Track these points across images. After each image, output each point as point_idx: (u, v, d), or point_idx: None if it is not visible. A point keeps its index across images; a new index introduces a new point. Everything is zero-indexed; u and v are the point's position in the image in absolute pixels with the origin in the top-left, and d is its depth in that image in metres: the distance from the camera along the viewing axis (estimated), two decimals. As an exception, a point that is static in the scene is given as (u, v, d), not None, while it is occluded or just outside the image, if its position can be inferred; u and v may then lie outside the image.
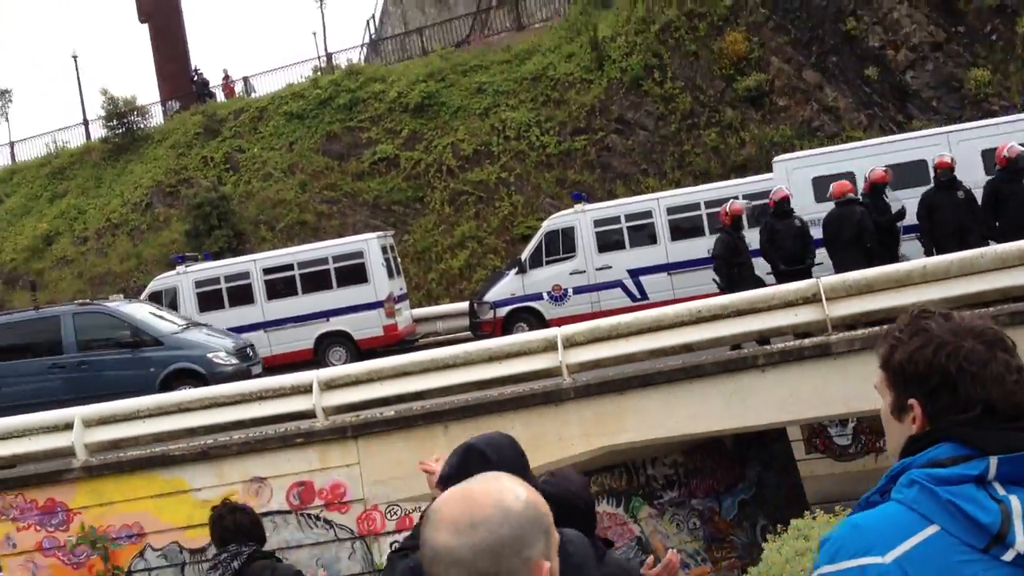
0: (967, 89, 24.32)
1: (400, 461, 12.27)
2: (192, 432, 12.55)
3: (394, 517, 12.49)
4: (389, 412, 12.46)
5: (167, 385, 15.12)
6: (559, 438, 12.21)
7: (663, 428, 12.01)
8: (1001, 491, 1.70)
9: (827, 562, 1.81)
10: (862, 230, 12.63)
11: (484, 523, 1.45)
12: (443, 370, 12.53)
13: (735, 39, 26.74)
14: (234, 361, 15.75)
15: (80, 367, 15.71)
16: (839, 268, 12.60)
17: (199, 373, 15.33)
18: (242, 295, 19.55)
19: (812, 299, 11.66)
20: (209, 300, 19.59)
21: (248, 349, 16.30)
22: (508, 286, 18.28)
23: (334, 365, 17.04)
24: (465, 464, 2.97)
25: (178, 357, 15.60)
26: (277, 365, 17.76)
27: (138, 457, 12.40)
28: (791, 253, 13.25)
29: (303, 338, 19.12)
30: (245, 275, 19.73)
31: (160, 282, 20.31)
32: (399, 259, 22.16)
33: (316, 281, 19.37)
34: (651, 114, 27.61)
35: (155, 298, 19.45)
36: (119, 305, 16.55)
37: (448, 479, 3.06)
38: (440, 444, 12.41)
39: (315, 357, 18.96)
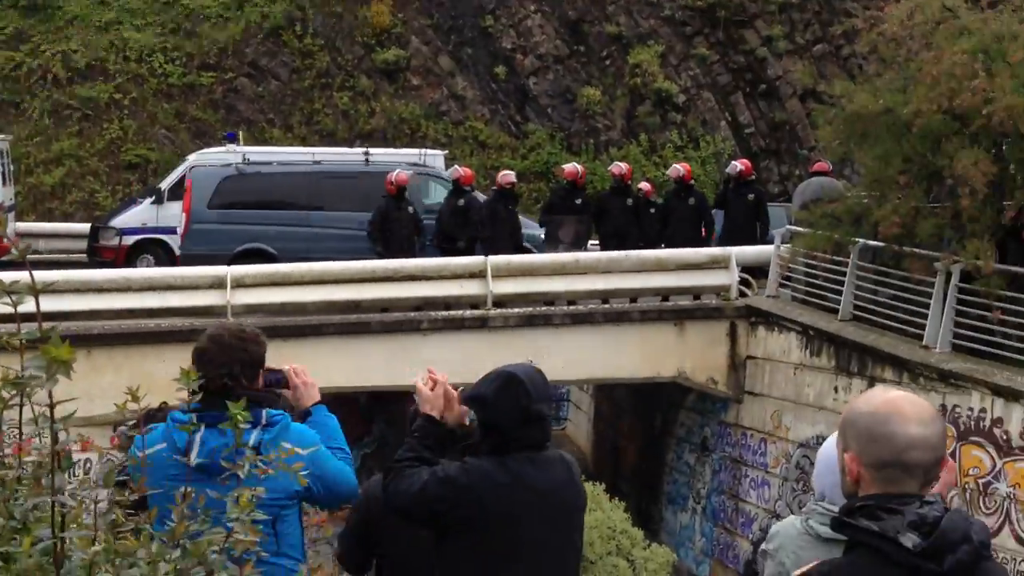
0: (579, 104, 26.84)
1: None
2: None
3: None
4: None
5: None
6: (214, 378, 12.01)
7: (324, 379, 12.21)
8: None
9: None
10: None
11: (936, 417, 2.14)
12: (97, 293, 11.78)
13: (380, 10, 27.24)
14: None
15: None
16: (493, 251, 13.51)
17: None
18: None
19: (478, 274, 12.52)
20: None
21: None
22: (140, 215, 17.31)
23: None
24: (504, 389, 3.25)
25: None
26: None
27: None
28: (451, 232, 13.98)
29: None
30: None
31: None
32: (11, 167, 20.00)
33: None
34: (287, 65, 27.29)
35: None
36: None
37: (479, 399, 3.31)
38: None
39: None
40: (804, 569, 2.14)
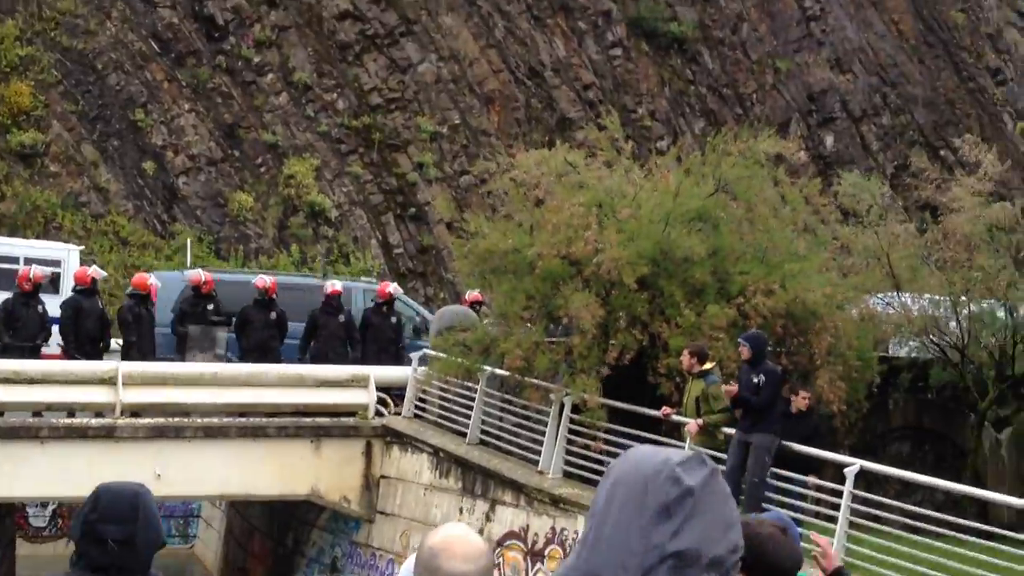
0: (231, 208, 26.62)
1: None
2: None
3: None
4: None
5: None
6: None
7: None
8: None
9: None
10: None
11: (484, 554, 2.43)
12: None
13: (20, 90, 25.77)
14: None
15: None
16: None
17: None
18: None
19: (109, 381, 12.03)
20: None
21: None
22: None
23: None
24: (85, 502, 3.28)
25: None
26: None
27: None
28: (92, 333, 13.32)
29: None
30: None
31: None
32: None
33: None
34: (-96, 139, 24.95)
35: None
36: None
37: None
38: None
39: None
40: None
